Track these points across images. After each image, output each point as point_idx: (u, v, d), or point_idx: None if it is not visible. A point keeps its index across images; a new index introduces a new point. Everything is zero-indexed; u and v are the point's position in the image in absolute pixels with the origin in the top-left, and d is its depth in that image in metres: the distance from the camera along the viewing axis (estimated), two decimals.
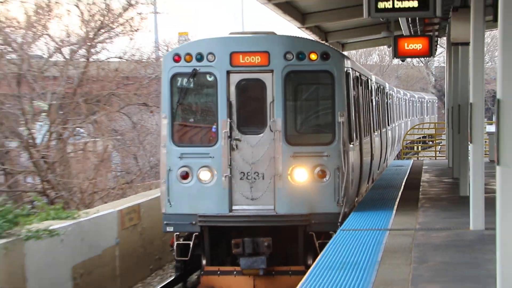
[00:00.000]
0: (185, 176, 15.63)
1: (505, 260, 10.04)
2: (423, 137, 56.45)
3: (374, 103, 28.46)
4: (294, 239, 15.53)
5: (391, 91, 40.05)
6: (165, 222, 15.81)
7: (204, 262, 15.83)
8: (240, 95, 15.86)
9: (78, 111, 27.07)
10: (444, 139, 43.32)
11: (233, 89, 15.72)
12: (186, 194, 15.69)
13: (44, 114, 27.15)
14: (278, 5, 22.89)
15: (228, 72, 15.51)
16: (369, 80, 26.45)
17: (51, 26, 27.66)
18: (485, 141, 21.87)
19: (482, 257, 13.42)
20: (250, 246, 14.84)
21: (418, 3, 15.61)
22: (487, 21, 18.40)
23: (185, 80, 15.94)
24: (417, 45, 25.86)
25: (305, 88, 17.09)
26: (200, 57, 15.52)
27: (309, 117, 17.23)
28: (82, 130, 29.41)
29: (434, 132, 55.60)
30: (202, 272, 15.75)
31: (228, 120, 15.45)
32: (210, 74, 15.82)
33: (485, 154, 20.69)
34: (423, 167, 35.48)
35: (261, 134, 15.81)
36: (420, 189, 26.36)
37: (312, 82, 17.03)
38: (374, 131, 26.77)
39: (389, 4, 15.70)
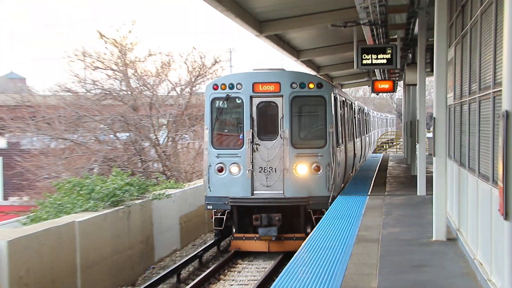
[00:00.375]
0: (220, 170, 18.29)
1: (437, 212, 14.78)
2: (388, 140, 76.92)
3: (356, 119, 32.79)
4: (297, 214, 18.50)
5: (368, 112, 49.59)
6: (206, 202, 18.61)
7: (234, 230, 18.78)
8: (259, 113, 18.48)
9: (184, 124, 36.49)
10: (401, 141, 56.61)
11: (254, 109, 18.30)
12: (221, 183, 18.29)
13: (164, 126, 37.22)
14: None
15: (251, 97, 18.19)
16: (352, 103, 30.52)
17: (170, 74, 38.94)
18: (426, 142, 25.21)
19: (425, 212, 17.67)
20: (266, 219, 17.77)
21: (387, 60, 20.70)
22: (427, 71, 22.26)
23: (221, 102, 18.71)
24: (385, 85, 33.99)
25: (305, 109, 19.29)
26: (231, 86, 18.21)
27: (308, 128, 19.72)
28: (186, 136, 39.41)
29: (394, 137, 76.17)
30: (232, 238, 18.92)
31: (251, 130, 18.13)
32: (239, 98, 18.45)
33: (426, 150, 23.53)
34: (389, 157, 45.31)
35: (274, 141, 18.35)
36: (387, 171, 32.50)
37: (311, 104, 19.26)
38: (356, 138, 30.69)
39: (369, 61, 20.86)
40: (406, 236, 15.30)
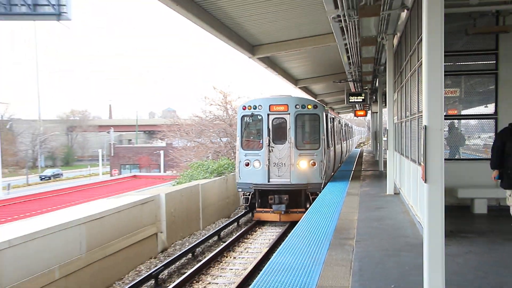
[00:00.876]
0: (247, 164, 20.17)
1: (389, 179, 17.18)
2: (363, 142, 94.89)
3: (343, 130, 35.73)
4: (300, 195, 20.16)
5: (352, 126, 57.71)
6: (238, 187, 20.67)
7: (256, 206, 20.73)
8: (273, 125, 20.14)
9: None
10: (370, 142, 69.06)
11: (270, 122, 20.06)
12: (247, 173, 20.17)
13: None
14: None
15: (268, 114, 20.01)
16: (340, 120, 33.75)
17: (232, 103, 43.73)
18: (383, 142, 28.47)
19: (383, 179, 20.44)
20: (278, 199, 19.83)
21: (362, 99, 26.22)
22: (383, 106, 26.73)
23: (248, 118, 20.53)
24: (361, 112, 39.51)
25: (305, 122, 20.52)
26: (255, 107, 20.15)
27: (307, 136, 20.70)
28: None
29: (365, 140, 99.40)
30: (255, 211, 20.87)
31: (268, 137, 19.93)
32: (260, 115, 20.16)
33: (383, 146, 26.28)
34: (363, 151, 56.01)
35: (284, 144, 20.00)
36: (363, 157, 40.05)
37: (309, 120, 20.38)
38: (343, 141, 33.70)
39: (353, 100, 26.21)
40: (372, 191, 18.03)
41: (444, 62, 6.04)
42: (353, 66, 21.55)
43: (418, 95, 10.89)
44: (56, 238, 11.92)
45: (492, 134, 13.05)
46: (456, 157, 13.68)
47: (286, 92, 24.44)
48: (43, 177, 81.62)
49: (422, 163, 6.35)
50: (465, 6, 10.87)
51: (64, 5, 56.45)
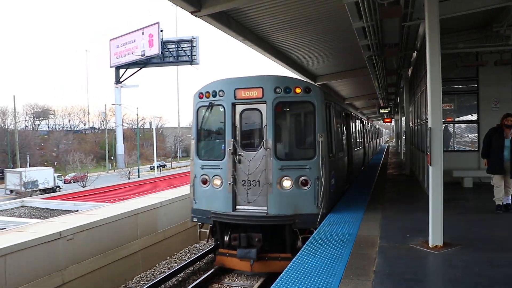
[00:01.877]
0: (204, 182, 10.14)
1: (406, 164, 17.31)
2: (388, 140, 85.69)
3: (371, 131, 25.97)
4: (283, 233, 9.48)
5: (381, 128, 54.83)
6: (192, 215, 10.32)
7: (218, 245, 10.35)
8: (242, 121, 9.87)
9: None
10: (394, 140, 64.03)
11: (238, 117, 9.80)
12: (205, 195, 10.08)
13: None
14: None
15: (233, 104, 9.81)
16: (363, 119, 20.44)
17: None
18: (403, 139, 26.23)
19: (403, 166, 18.86)
20: (245, 240, 9.48)
21: (388, 111, 26.98)
22: (402, 115, 24.32)
23: (206, 111, 10.27)
24: (388, 120, 38.97)
25: (291, 116, 10.21)
26: (214, 94, 10.04)
27: (295, 137, 10.25)
28: None
29: (389, 138, 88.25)
30: (216, 253, 10.32)
31: (232, 140, 9.68)
32: (221, 106, 9.98)
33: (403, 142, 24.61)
34: (390, 146, 56.13)
35: (257, 151, 9.64)
36: (389, 149, 41.27)
37: (297, 111, 10.12)
38: (366, 143, 21.36)
39: (382, 111, 26.58)
40: (394, 173, 17.72)
41: (442, 86, 6.20)
42: (381, 89, 21.60)
43: (425, 107, 11.07)
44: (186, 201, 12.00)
45: (476, 134, 13.25)
46: (451, 149, 13.83)
47: None
48: (152, 167, 69.78)
49: (428, 152, 6.32)
50: (455, 49, 11.24)
51: (195, 55, 72.74)
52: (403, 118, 22.69)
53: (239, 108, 9.61)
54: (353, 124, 15.15)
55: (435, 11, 6.13)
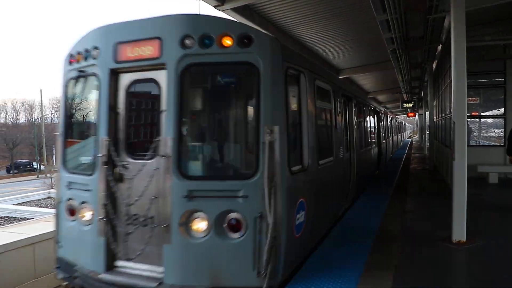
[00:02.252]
0: (71, 212, 5.07)
1: (430, 158, 16.87)
2: (411, 134, 78.28)
3: (394, 126, 23.36)
4: None
5: (404, 123, 53.39)
6: (56, 266, 5.16)
7: None
8: (129, 103, 4.79)
9: None
10: (417, 134, 58.34)
11: (121, 95, 4.75)
12: (72, 236, 5.04)
13: None
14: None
15: (113, 71, 4.68)
16: (380, 111, 15.79)
17: None
18: (427, 134, 25.39)
19: (425, 159, 18.29)
20: None
21: (412, 105, 26.30)
22: (426, 109, 23.79)
23: (77, 84, 5.20)
24: (412, 114, 36.72)
25: (215, 90, 4.70)
26: (87, 55, 4.93)
27: (218, 135, 4.72)
28: None
29: (413, 132, 78.76)
30: None
31: (108, 139, 4.63)
32: (94, 74, 4.86)
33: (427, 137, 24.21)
34: (413, 140, 53.94)
35: (151, 160, 4.49)
36: (413, 144, 40.29)
37: (226, 83, 4.63)
38: (388, 137, 18.02)
39: (406, 105, 25.76)
40: (418, 168, 17.16)
41: (467, 80, 6.00)
42: (405, 83, 21.40)
43: (449, 102, 10.91)
44: None
45: (502, 129, 13.03)
46: (476, 144, 13.64)
47: None
48: None
49: (451, 147, 6.21)
50: (482, 41, 10.92)
51: None
52: (427, 113, 22.31)
53: (124, 79, 4.83)
54: (360, 114, 10.35)
55: (461, 3, 6.01)
